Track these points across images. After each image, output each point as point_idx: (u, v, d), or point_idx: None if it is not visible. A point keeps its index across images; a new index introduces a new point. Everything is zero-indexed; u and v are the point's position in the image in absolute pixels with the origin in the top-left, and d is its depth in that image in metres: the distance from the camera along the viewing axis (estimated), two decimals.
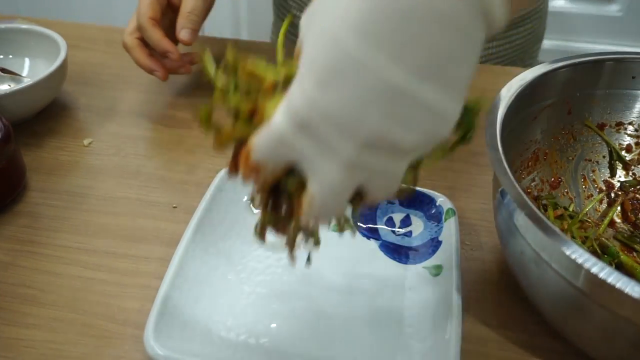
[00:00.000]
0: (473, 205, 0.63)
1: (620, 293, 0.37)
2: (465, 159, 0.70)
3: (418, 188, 0.60)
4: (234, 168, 0.38)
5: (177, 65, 0.75)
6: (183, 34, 0.72)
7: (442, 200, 0.59)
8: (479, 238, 0.60)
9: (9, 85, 0.76)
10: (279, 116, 0.32)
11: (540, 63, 0.55)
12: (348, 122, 0.30)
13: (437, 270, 0.54)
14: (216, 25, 1.88)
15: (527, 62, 0.97)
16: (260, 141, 0.33)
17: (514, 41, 0.91)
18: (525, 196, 0.43)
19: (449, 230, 0.56)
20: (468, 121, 0.41)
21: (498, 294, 0.54)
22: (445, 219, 0.57)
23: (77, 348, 0.49)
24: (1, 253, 0.57)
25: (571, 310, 0.43)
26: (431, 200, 0.59)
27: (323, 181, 0.33)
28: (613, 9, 1.83)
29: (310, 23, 0.32)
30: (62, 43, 0.74)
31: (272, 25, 1.07)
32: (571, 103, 0.58)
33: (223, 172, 0.61)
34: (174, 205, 0.63)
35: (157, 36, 0.71)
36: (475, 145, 0.74)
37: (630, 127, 0.60)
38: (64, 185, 0.65)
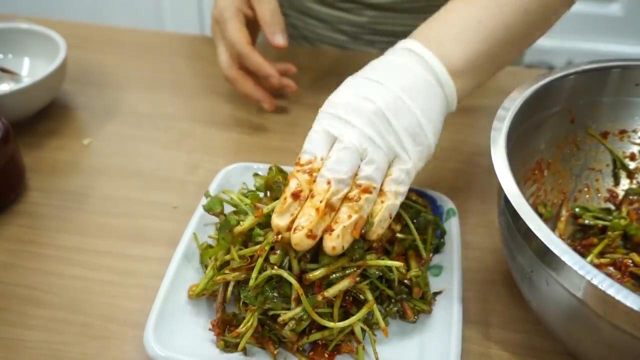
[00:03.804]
0: (473, 205, 0.63)
1: (619, 305, 0.37)
2: (465, 159, 0.70)
3: (418, 188, 0.60)
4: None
5: (278, 87, 0.73)
6: (278, 39, 0.70)
7: (442, 200, 0.59)
8: (479, 238, 0.60)
9: (9, 85, 0.76)
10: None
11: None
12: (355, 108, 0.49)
13: (438, 270, 0.54)
14: None
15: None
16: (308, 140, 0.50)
17: None
18: (528, 205, 0.43)
19: (449, 231, 0.56)
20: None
21: (498, 294, 0.54)
22: (446, 219, 0.57)
23: (77, 348, 0.49)
24: (1, 253, 0.57)
25: (574, 323, 0.43)
26: (431, 201, 0.59)
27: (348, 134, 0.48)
28: (613, 9, 1.83)
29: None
30: (61, 43, 0.74)
31: None
32: (575, 111, 0.58)
33: (223, 172, 0.61)
34: (174, 205, 0.63)
35: (259, 60, 0.70)
36: (475, 146, 0.74)
37: (634, 135, 0.59)
38: (63, 185, 0.65)
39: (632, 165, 0.60)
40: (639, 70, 0.56)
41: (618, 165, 0.60)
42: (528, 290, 0.47)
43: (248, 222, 0.50)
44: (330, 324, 0.46)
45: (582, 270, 0.38)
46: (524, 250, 0.44)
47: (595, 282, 0.38)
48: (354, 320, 0.47)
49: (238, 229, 0.50)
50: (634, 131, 0.59)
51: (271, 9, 0.70)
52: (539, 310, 0.47)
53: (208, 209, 0.54)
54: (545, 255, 0.41)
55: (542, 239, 0.40)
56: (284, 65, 0.77)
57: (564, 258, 0.39)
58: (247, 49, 0.69)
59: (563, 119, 0.57)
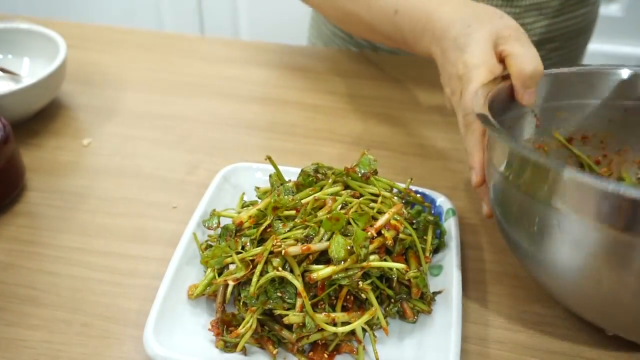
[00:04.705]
0: (473, 205, 0.63)
1: None
2: (465, 159, 0.70)
3: (418, 188, 0.60)
4: None
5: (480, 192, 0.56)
6: (527, 99, 0.54)
7: (442, 200, 0.59)
8: (479, 238, 0.60)
9: (9, 85, 0.76)
10: None
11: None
12: None
13: (438, 270, 0.54)
14: (216, 25, 1.88)
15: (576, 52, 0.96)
16: None
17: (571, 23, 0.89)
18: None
19: (449, 231, 0.56)
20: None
21: (498, 294, 0.54)
22: (445, 219, 0.57)
23: (77, 348, 0.49)
24: (1, 253, 0.57)
25: (596, 259, 0.42)
26: (431, 201, 0.59)
27: None
28: (613, 9, 1.83)
29: None
30: (61, 43, 0.74)
31: (310, 27, 1.05)
32: (539, 115, 0.57)
33: (223, 172, 0.61)
34: (174, 205, 0.63)
35: (478, 152, 0.54)
36: None
37: (595, 140, 0.59)
38: (63, 186, 0.65)
39: (599, 169, 0.59)
40: (596, 73, 0.57)
41: (586, 170, 0.59)
42: (535, 250, 0.46)
43: (247, 213, 0.51)
44: (334, 329, 0.46)
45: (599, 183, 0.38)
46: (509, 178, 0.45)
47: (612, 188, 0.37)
48: (357, 325, 0.47)
49: (236, 219, 0.51)
50: (595, 136, 0.59)
51: (537, 69, 0.53)
52: (548, 271, 0.46)
53: (206, 224, 0.55)
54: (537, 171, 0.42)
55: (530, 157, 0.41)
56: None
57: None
58: (477, 127, 0.54)
59: (530, 122, 0.57)
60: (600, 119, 0.58)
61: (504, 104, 0.53)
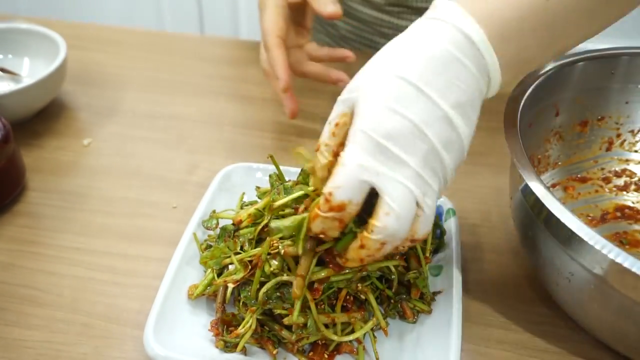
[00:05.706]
0: (473, 205, 0.63)
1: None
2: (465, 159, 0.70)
3: None
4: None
5: (287, 93, 0.66)
6: (330, 8, 0.61)
7: (442, 200, 0.59)
8: (479, 238, 0.60)
9: (9, 85, 0.76)
10: (350, 155, 0.38)
11: None
12: (411, 141, 0.38)
13: (438, 270, 0.54)
14: (216, 25, 1.88)
15: None
16: (340, 180, 0.39)
17: None
18: (550, 193, 0.43)
19: (449, 231, 0.56)
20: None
21: (498, 294, 0.54)
22: (445, 219, 0.57)
23: (77, 348, 0.49)
24: (1, 253, 0.57)
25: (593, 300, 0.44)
26: None
27: (397, 194, 0.38)
28: None
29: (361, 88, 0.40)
30: (61, 43, 0.74)
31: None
32: (558, 104, 0.59)
33: (223, 172, 0.61)
34: (174, 205, 0.63)
35: (277, 59, 0.63)
36: (475, 146, 0.74)
37: (610, 121, 0.61)
38: (64, 186, 0.65)
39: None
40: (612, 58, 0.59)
41: None
42: (547, 276, 0.47)
43: (245, 212, 0.51)
44: (335, 337, 0.46)
45: (605, 250, 0.39)
46: (541, 233, 0.45)
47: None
48: (359, 335, 0.47)
49: (235, 218, 0.51)
50: (610, 117, 0.61)
51: None
52: (562, 300, 0.48)
53: (205, 225, 0.56)
54: (565, 236, 0.42)
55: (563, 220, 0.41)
56: (341, 52, 0.70)
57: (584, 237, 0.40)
58: (272, 41, 0.63)
59: (550, 112, 0.59)
60: (617, 101, 0.60)
61: (524, 107, 0.54)
